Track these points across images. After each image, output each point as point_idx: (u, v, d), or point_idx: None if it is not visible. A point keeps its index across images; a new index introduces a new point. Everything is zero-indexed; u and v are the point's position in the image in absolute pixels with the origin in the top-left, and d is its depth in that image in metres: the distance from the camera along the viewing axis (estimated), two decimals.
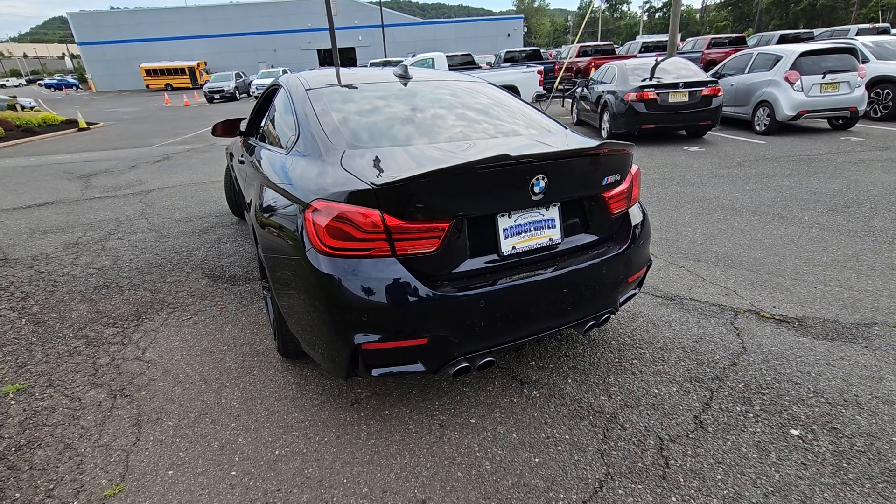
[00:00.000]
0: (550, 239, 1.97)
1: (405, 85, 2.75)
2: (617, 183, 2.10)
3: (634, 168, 2.26)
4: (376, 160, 1.93)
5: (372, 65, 20.79)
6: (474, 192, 1.75)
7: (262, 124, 3.22)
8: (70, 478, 1.82)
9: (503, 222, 1.87)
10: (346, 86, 2.68)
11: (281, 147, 2.53)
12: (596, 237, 2.12)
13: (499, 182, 1.77)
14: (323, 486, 1.75)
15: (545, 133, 2.45)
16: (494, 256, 1.88)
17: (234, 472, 1.82)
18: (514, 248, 1.90)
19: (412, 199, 1.68)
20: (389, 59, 24.09)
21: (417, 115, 2.46)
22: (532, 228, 1.93)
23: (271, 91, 3.20)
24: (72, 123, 14.93)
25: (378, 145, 2.13)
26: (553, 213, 1.97)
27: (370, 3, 45.40)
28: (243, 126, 3.65)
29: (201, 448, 1.95)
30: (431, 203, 1.70)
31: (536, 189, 1.82)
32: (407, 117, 2.42)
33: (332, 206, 1.73)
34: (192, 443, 1.98)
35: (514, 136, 2.39)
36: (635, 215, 2.28)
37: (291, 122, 2.46)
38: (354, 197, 1.71)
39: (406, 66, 2.98)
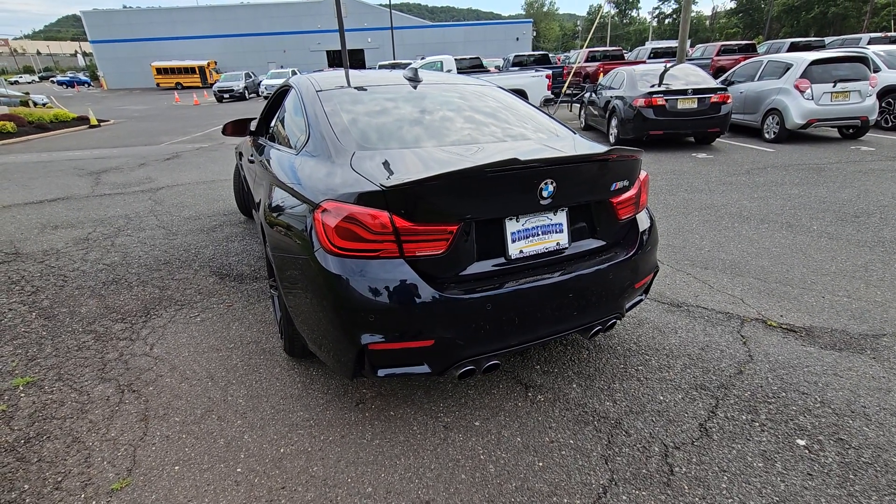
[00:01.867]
0: (558, 243, 1.98)
1: (415, 87, 2.77)
2: (625, 189, 2.10)
3: (643, 174, 2.26)
4: (386, 162, 1.95)
5: (381, 67, 20.86)
6: (483, 196, 1.76)
7: (272, 124, 3.25)
8: (78, 471, 1.84)
9: (511, 226, 1.88)
10: (356, 87, 2.71)
11: (291, 147, 2.55)
12: (603, 242, 2.12)
13: (507, 186, 1.78)
14: (327, 485, 1.76)
15: (554, 137, 2.46)
16: (502, 260, 1.88)
17: (239, 469, 1.84)
18: (521, 251, 1.90)
19: (421, 202, 1.69)
20: (398, 61, 24.17)
21: (427, 117, 2.47)
22: (540, 232, 1.94)
23: (282, 92, 3.23)
24: (83, 120, 15.09)
25: (387, 147, 2.14)
26: (561, 217, 1.98)
27: (379, 5, 45.61)
28: (253, 126, 3.68)
29: (207, 444, 1.96)
30: (440, 206, 1.71)
31: (545, 193, 1.82)
32: (416, 120, 2.44)
33: (342, 206, 1.75)
34: (199, 439, 2.00)
35: (522, 139, 2.40)
36: (643, 221, 2.28)
37: (302, 123, 2.48)
38: (364, 198, 1.72)
39: (416, 69, 3.00)
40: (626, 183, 2.09)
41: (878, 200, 4.97)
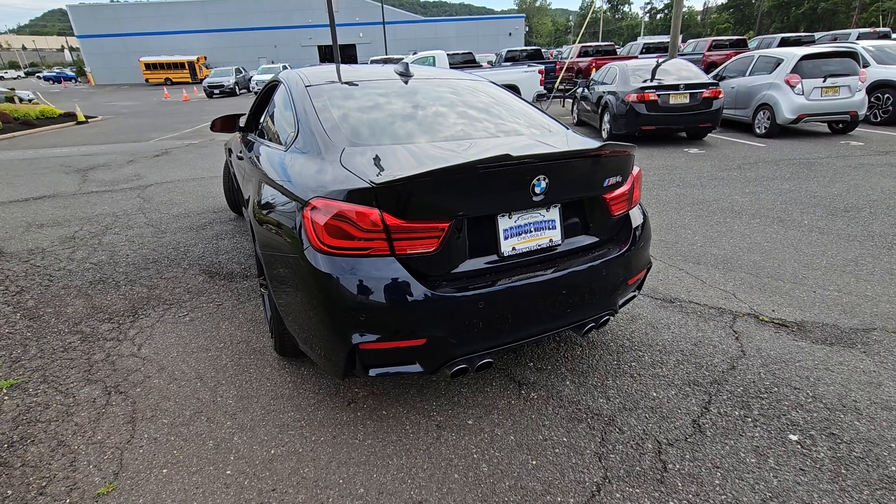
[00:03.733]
0: (551, 240, 1.96)
1: (406, 83, 2.73)
2: (618, 184, 2.09)
3: (636, 170, 2.24)
4: (376, 158, 1.92)
5: (372, 62, 20.71)
6: (475, 192, 1.73)
7: (262, 120, 3.20)
8: (63, 475, 1.80)
9: (503, 223, 1.85)
10: (346, 83, 2.66)
11: (280, 144, 2.51)
12: (596, 239, 2.11)
13: (500, 182, 1.75)
14: (318, 487, 1.74)
15: (546, 133, 2.44)
16: (494, 257, 1.86)
17: (228, 472, 1.81)
18: (514, 248, 1.88)
19: (412, 199, 1.66)
20: (390, 56, 24.02)
21: (418, 113, 2.44)
22: (532, 229, 1.92)
23: (271, 87, 3.17)
24: (70, 116, 14.86)
25: (378, 143, 2.11)
26: (554, 214, 1.96)
27: None
28: (242, 122, 3.62)
29: (196, 447, 1.93)
30: (431, 202, 1.69)
31: (537, 190, 1.80)
32: (408, 115, 2.40)
33: (332, 204, 1.72)
34: (187, 441, 1.96)
35: (515, 135, 2.37)
36: (636, 217, 2.27)
37: (291, 119, 2.44)
38: (354, 195, 1.69)
39: (407, 64, 2.96)
40: (619, 179, 2.07)
41: (868, 195, 5.01)
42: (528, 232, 1.91)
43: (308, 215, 1.77)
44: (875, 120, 9.27)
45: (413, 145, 2.10)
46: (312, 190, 1.83)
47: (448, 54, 15.19)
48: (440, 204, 1.70)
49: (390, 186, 1.64)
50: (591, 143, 2.17)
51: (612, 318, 2.24)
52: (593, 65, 17.65)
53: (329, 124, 2.18)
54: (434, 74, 2.99)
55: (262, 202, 2.28)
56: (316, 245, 1.74)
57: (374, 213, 1.67)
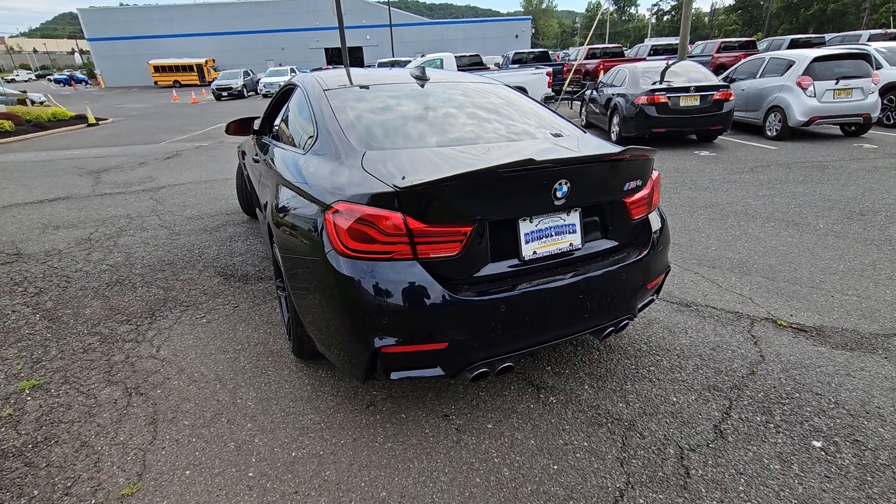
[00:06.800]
0: (571, 244, 1.96)
1: (422, 86, 2.75)
2: (638, 188, 2.08)
3: (655, 174, 2.24)
4: (397, 162, 1.92)
5: (380, 65, 20.77)
6: (497, 197, 1.73)
7: (277, 124, 3.22)
8: (87, 476, 1.82)
9: (525, 227, 1.85)
10: (363, 86, 2.68)
11: (297, 147, 2.52)
12: (616, 243, 2.10)
13: (522, 186, 1.75)
14: (341, 490, 1.74)
15: (566, 136, 2.44)
16: (515, 261, 1.86)
17: (251, 474, 1.82)
18: (535, 252, 1.88)
19: (435, 203, 1.67)
20: (397, 58, 24.09)
21: (437, 116, 2.44)
22: (553, 233, 1.92)
23: (287, 91, 3.20)
24: (81, 119, 15.02)
25: (398, 147, 2.12)
26: (574, 217, 1.96)
27: (378, 2, 45.43)
28: (256, 125, 3.65)
29: (218, 448, 1.94)
30: (454, 207, 1.69)
31: (559, 194, 1.80)
32: (426, 119, 2.41)
33: (355, 208, 1.73)
34: (209, 443, 1.97)
35: (533, 139, 2.37)
36: (655, 221, 2.26)
37: (309, 122, 2.45)
38: (377, 199, 1.70)
39: (423, 67, 2.97)
40: (639, 182, 2.07)
41: (883, 198, 4.96)
42: (549, 236, 1.91)
43: (330, 219, 1.78)
44: (888, 122, 9.19)
45: (433, 149, 2.11)
46: (333, 194, 1.84)
47: (455, 56, 15.21)
48: (463, 208, 1.70)
49: (414, 190, 1.65)
50: (611, 147, 2.16)
51: (630, 322, 2.23)
52: (601, 67, 17.63)
53: (348, 128, 2.20)
54: (449, 78, 3.00)
55: (281, 206, 2.29)
56: (338, 248, 1.75)
57: (397, 217, 1.67)
